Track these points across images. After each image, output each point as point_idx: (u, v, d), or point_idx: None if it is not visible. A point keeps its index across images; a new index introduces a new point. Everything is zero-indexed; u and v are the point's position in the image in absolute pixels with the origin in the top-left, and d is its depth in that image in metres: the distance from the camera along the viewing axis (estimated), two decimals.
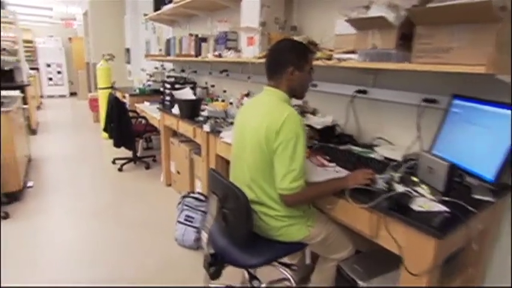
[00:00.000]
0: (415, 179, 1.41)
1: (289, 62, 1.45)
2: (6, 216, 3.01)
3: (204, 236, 2.37)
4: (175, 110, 3.13)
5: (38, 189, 3.63)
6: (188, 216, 2.54)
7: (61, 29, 11.55)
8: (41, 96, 10.57)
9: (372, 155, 1.84)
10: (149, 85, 5.04)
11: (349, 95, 2.17)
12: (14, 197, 3.31)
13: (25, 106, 4.50)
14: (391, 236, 1.23)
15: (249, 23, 2.51)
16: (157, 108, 3.67)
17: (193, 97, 3.06)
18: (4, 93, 4.73)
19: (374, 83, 2.07)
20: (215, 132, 2.44)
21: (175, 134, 3.55)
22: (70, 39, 11.53)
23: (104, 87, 5.57)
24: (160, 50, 5.63)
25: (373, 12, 1.49)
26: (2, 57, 6.14)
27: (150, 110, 4.04)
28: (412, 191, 1.32)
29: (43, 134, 6.24)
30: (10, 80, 6.24)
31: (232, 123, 2.59)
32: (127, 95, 4.89)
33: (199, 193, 2.71)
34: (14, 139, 3.26)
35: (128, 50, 7.17)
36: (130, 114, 4.20)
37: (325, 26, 2.32)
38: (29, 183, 3.73)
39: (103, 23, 7.47)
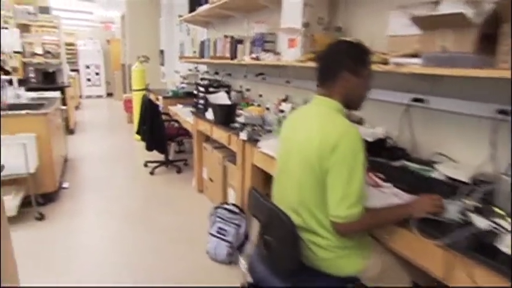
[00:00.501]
0: (497, 210, 1.17)
1: (345, 67, 1.26)
2: (42, 217, 3.01)
3: (242, 262, 2.22)
4: (209, 114, 3.01)
5: (72, 190, 3.64)
6: (221, 228, 2.40)
7: (100, 31, 11.94)
8: (80, 97, 10.95)
9: (432, 174, 1.60)
10: (183, 87, 4.99)
11: (403, 104, 1.94)
12: (50, 198, 3.33)
13: (64, 107, 4.57)
14: (475, 284, 1.00)
15: (291, 24, 2.33)
16: (191, 111, 3.57)
17: (228, 102, 2.93)
18: (46, 94, 4.88)
19: (432, 90, 1.82)
20: (252, 141, 2.29)
21: (208, 138, 3.43)
22: (108, 41, 11.88)
23: (138, 89, 5.60)
24: (194, 52, 5.58)
25: (446, 9, 1.26)
26: (46, 60, 6.37)
27: (183, 113, 3.96)
28: (497, 226, 1.09)
29: (80, 133, 6.39)
30: (52, 81, 6.45)
31: (270, 131, 2.42)
32: (160, 97, 4.86)
33: (233, 204, 2.56)
34: (51, 141, 3.28)
35: (162, 52, 7.21)
36: (163, 117, 4.15)
37: (375, 27, 2.10)
38: (65, 184, 3.75)
39: (139, 25, 7.57)
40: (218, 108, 2.75)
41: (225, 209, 2.48)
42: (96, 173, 4.25)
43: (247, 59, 2.95)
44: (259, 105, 3.16)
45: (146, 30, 7.63)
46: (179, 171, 4.23)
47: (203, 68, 5.32)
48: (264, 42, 3.08)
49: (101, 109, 9.83)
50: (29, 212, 3.00)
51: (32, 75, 6.88)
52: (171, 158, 4.40)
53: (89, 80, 11.45)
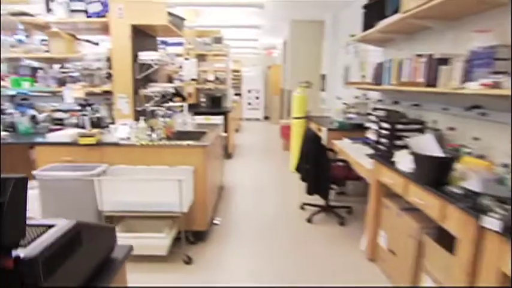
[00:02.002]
0: None
1: None
2: (189, 261, 2.73)
3: None
4: (402, 163, 2.13)
5: (222, 228, 3.34)
6: None
7: (262, 58, 12.57)
8: (240, 119, 11.64)
9: None
10: (350, 118, 4.22)
11: None
12: (200, 236, 3.08)
13: (225, 134, 4.49)
14: None
15: None
16: (369, 155, 2.74)
17: (439, 152, 1.98)
18: (211, 118, 4.98)
19: None
20: (508, 232, 1.29)
21: (390, 192, 2.53)
22: (269, 67, 12.38)
23: (298, 116, 5.15)
24: (363, 76, 4.78)
25: None
26: (215, 85, 6.76)
27: (353, 151, 3.18)
28: None
29: (237, 158, 6.43)
30: (218, 105, 6.78)
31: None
32: (324, 129, 4.21)
33: None
34: (209, 173, 3.05)
35: (323, 77, 6.69)
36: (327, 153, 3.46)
37: None
38: (216, 220, 3.50)
39: (300, 49, 7.30)
40: (426, 161, 1.84)
41: None
42: (248, 207, 3.91)
43: (474, 87, 1.94)
44: (481, 157, 2.08)
45: (307, 55, 7.29)
46: (342, 223, 3.43)
47: (374, 95, 4.45)
48: (493, 60, 2.03)
49: (258, 132, 10.09)
50: (178, 253, 2.75)
51: (203, 99, 7.49)
52: (331, 202, 3.66)
53: (249, 103, 12.10)
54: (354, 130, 3.94)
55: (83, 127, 3.41)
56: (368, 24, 3.61)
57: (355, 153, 3.10)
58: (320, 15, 6.51)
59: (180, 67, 6.76)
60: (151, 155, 2.96)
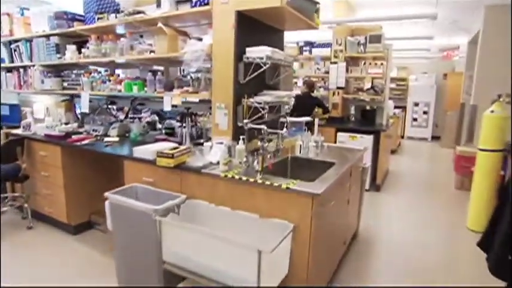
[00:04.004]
0: None
1: None
2: None
3: None
4: None
5: None
6: None
7: (437, 63, 10.15)
8: (402, 137, 9.65)
9: None
10: None
11: None
12: None
13: (366, 165, 3.19)
14: None
15: None
16: None
17: None
18: (358, 137, 3.74)
19: None
20: None
21: None
22: (445, 75, 9.86)
23: (491, 149, 3.32)
24: None
25: None
26: (369, 96, 5.40)
27: None
28: None
29: (387, 191, 4.88)
30: (370, 121, 5.39)
31: None
32: None
33: None
34: (319, 233, 1.92)
35: None
36: None
37: None
38: None
39: (499, 48, 5.05)
40: None
41: None
42: (388, 276, 2.51)
43: None
44: None
45: (508, 56, 5.01)
46: None
47: None
48: None
49: (422, 156, 8.00)
50: None
51: (352, 112, 6.22)
52: None
53: (415, 119, 9.92)
54: None
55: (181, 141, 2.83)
56: None
57: None
58: None
59: (327, 72, 5.74)
60: (240, 193, 2.05)
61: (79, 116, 3.81)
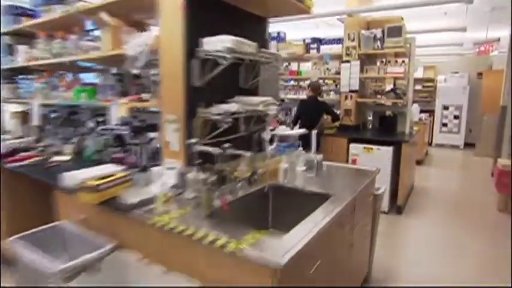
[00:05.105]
0: None
1: None
2: None
3: None
4: None
5: None
6: None
7: (470, 61, 9.09)
8: (429, 144, 8.67)
9: None
10: None
11: None
12: None
13: (378, 192, 2.45)
14: None
15: None
16: None
17: None
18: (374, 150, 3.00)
19: None
20: None
21: None
22: (480, 74, 8.78)
23: None
24: None
25: None
26: (389, 100, 4.61)
27: None
28: None
29: (411, 214, 4.06)
30: (390, 129, 4.60)
31: None
32: None
33: None
34: None
35: None
36: None
37: None
38: None
39: None
40: None
41: None
42: None
43: None
44: None
45: None
46: None
47: None
48: None
49: (453, 168, 7.04)
50: None
51: (369, 118, 5.42)
52: None
53: (444, 124, 8.89)
54: None
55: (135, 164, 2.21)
56: None
57: None
58: None
59: (338, 73, 4.99)
60: (177, 249, 1.40)
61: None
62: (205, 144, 1.75)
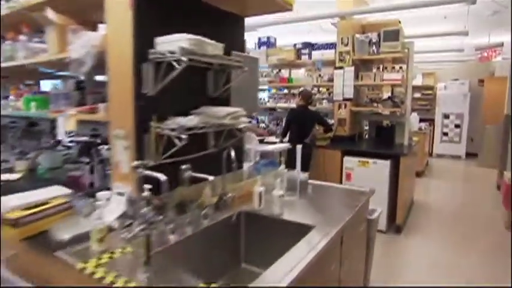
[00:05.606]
0: None
1: None
2: None
3: None
4: None
5: None
6: None
7: (471, 68, 8.83)
8: (430, 155, 8.35)
9: None
10: None
11: None
12: None
13: (373, 216, 2.14)
14: None
15: None
16: None
17: None
18: (370, 164, 2.67)
19: None
20: None
21: None
22: (481, 81, 8.51)
23: None
24: None
25: None
26: (386, 109, 4.31)
27: None
28: None
29: (411, 235, 3.73)
30: (387, 140, 4.30)
31: None
32: None
33: None
34: None
35: None
36: None
37: None
38: None
39: None
40: None
41: None
42: None
43: None
44: None
45: None
46: None
47: None
48: None
49: (455, 179, 6.70)
50: None
51: (366, 128, 5.13)
52: None
53: (445, 134, 8.59)
54: None
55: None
56: None
57: None
58: None
59: (331, 80, 4.70)
60: None
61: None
62: (160, 165, 1.44)
